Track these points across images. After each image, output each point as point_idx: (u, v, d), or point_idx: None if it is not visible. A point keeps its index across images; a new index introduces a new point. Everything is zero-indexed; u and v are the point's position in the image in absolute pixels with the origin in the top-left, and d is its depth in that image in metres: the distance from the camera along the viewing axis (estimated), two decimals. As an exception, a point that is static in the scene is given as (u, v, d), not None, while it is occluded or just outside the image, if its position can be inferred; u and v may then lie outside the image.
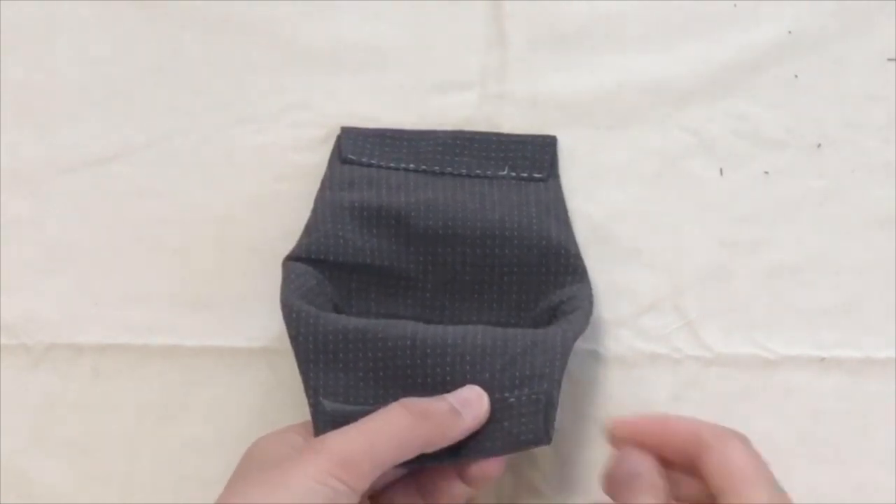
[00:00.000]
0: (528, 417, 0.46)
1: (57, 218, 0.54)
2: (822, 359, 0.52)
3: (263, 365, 0.53)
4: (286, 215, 0.53)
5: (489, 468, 0.46)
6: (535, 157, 0.53)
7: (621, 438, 0.46)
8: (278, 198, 0.54)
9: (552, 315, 0.49)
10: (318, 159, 0.54)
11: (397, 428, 0.44)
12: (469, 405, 0.45)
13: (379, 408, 0.45)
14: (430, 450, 0.45)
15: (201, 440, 0.52)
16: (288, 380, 0.52)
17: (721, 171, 0.53)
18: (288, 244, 0.51)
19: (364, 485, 0.43)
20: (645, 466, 0.45)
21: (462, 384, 0.46)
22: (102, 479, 0.53)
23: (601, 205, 0.53)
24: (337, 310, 0.50)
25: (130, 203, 0.54)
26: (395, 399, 0.46)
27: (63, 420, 0.53)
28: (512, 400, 0.46)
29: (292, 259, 0.50)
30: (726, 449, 0.43)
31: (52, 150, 0.55)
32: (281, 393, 0.52)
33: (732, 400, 0.51)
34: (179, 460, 0.53)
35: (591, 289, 0.50)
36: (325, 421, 0.46)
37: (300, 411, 0.49)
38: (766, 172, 0.53)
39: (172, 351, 0.53)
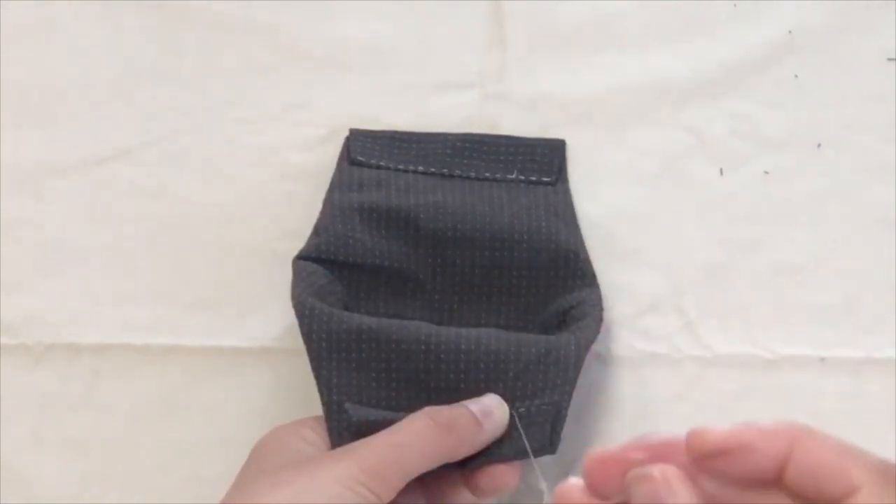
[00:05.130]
0: (535, 427, 0.46)
1: (57, 218, 0.54)
2: (822, 359, 0.52)
3: (263, 365, 0.53)
4: (286, 215, 0.53)
5: (501, 480, 0.46)
6: (544, 160, 0.53)
7: (704, 454, 0.35)
8: (278, 198, 0.54)
9: (561, 320, 0.50)
10: (318, 159, 0.54)
11: (424, 440, 0.44)
12: (491, 416, 0.45)
13: (399, 415, 0.45)
14: (452, 460, 0.45)
15: (201, 440, 0.52)
16: (288, 380, 0.52)
17: (721, 171, 0.53)
18: (288, 244, 0.51)
19: (390, 496, 0.43)
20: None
21: (475, 391, 0.46)
22: (102, 479, 0.52)
23: (601, 205, 0.53)
24: (347, 309, 0.50)
25: (130, 203, 0.54)
26: (408, 402, 0.46)
27: (63, 420, 0.53)
28: (522, 410, 0.46)
29: (302, 258, 0.50)
30: (821, 437, 0.34)
31: (52, 150, 0.55)
32: (281, 393, 0.52)
33: (732, 400, 0.51)
34: (179, 460, 0.52)
35: (600, 293, 0.50)
36: (341, 426, 0.46)
37: (301, 411, 0.49)
38: (766, 172, 0.53)
39: (172, 351, 0.53)
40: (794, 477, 0.33)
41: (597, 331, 0.49)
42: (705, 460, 0.33)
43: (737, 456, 0.33)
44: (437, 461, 0.44)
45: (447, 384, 0.46)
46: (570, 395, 0.46)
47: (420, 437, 0.44)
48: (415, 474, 0.44)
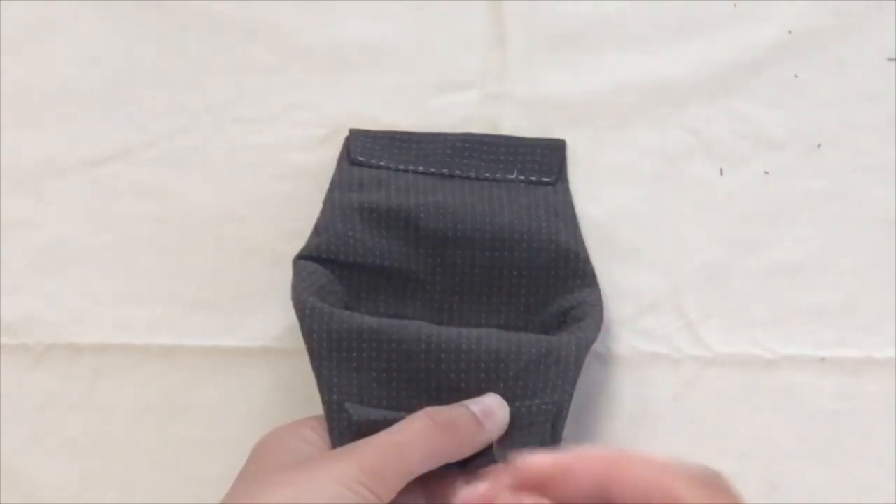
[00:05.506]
0: (537, 427, 0.46)
1: (57, 218, 0.54)
2: (822, 359, 0.52)
3: (263, 365, 0.53)
4: (286, 215, 0.53)
5: None
6: (545, 160, 0.53)
7: (530, 482, 0.36)
8: (278, 198, 0.54)
9: (561, 321, 0.50)
10: (318, 159, 0.54)
11: (424, 441, 0.44)
12: (492, 416, 0.45)
13: (399, 415, 0.45)
14: (453, 460, 0.45)
15: (201, 440, 0.52)
16: (288, 380, 0.52)
17: (721, 171, 0.53)
18: (288, 244, 0.51)
19: (390, 496, 0.43)
20: None
21: (476, 390, 0.46)
22: (102, 479, 0.52)
23: (601, 205, 0.53)
24: (347, 309, 0.50)
25: (130, 203, 0.54)
26: (409, 402, 0.46)
27: (63, 420, 0.53)
28: (523, 410, 0.46)
29: (303, 258, 0.50)
30: (640, 458, 0.36)
31: (52, 150, 0.55)
32: (281, 393, 0.52)
33: (732, 400, 0.51)
34: (179, 460, 0.52)
35: (600, 293, 0.50)
36: (342, 425, 0.46)
37: (301, 411, 0.49)
38: (766, 172, 0.53)
39: (172, 351, 0.53)
40: (621, 497, 0.34)
41: (597, 331, 0.49)
42: (532, 488, 0.35)
43: (559, 481, 0.35)
44: (438, 461, 0.44)
45: (448, 384, 0.46)
46: (570, 395, 0.47)
47: (420, 437, 0.44)
48: (415, 474, 0.44)
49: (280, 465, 0.44)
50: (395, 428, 0.44)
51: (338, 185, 0.52)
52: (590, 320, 0.48)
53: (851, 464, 0.51)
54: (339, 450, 0.44)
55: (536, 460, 0.36)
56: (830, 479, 0.51)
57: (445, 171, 0.53)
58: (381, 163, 0.53)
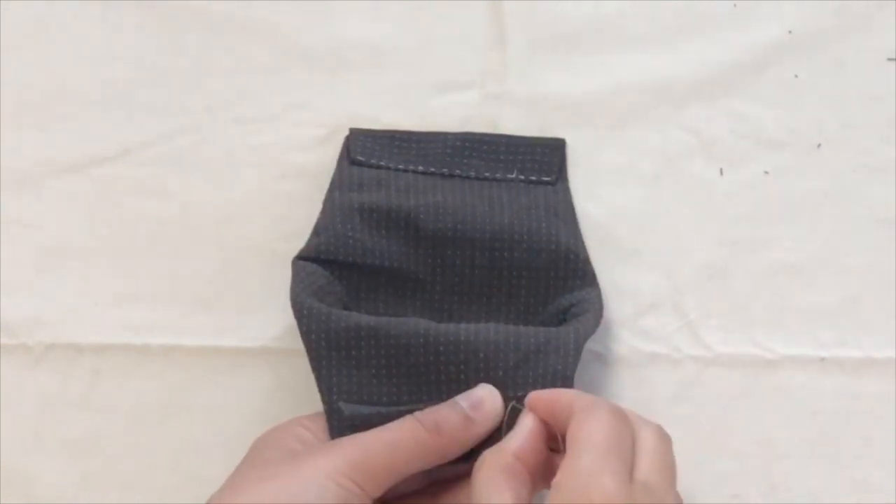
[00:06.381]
0: None
1: (57, 218, 0.54)
2: (822, 359, 0.52)
3: (263, 365, 0.53)
4: (286, 215, 0.53)
5: None
6: (544, 160, 0.53)
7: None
8: (278, 198, 0.54)
9: (561, 319, 0.50)
10: (318, 159, 0.54)
11: (412, 443, 0.44)
12: (482, 406, 0.45)
13: (395, 411, 0.45)
14: (446, 460, 0.45)
15: (201, 440, 0.52)
16: (288, 380, 0.52)
17: (721, 171, 0.53)
18: (288, 244, 0.51)
19: (377, 491, 0.43)
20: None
21: (475, 381, 0.46)
22: (102, 479, 0.53)
23: (601, 205, 0.53)
24: (346, 309, 0.50)
25: (130, 203, 0.54)
26: (410, 396, 0.46)
27: (63, 420, 0.53)
28: (523, 395, 0.46)
29: (302, 258, 0.50)
30: (587, 417, 0.41)
31: (52, 150, 0.55)
32: (281, 393, 0.52)
33: (732, 400, 0.52)
34: (179, 460, 0.53)
35: (600, 292, 0.50)
36: (342, 424, 0.46)
37: (300, 411, 0.49)
38: (766, 172, 0.53)
39: (172, 351, 0.53)
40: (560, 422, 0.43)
41: (596, 324, 0.49)
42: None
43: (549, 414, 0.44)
44: (428, 462, 0.45)
45: (447, 376, 0.46)
46: (571, 381, 0.47)
47: (407, 438, 0.44)
48: (405, 474, 0.44)
49: (271, 461, 0.44)
50: (386, 427, 0.45)
51: (338, 185, 0.52)
52: (589, 315, 0.49)
53: (851, 464, 0.51)
54: (327, 444, 0.45)
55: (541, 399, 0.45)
56: (830, 479, 0.51)
57: (445, 170, 0.53)
58: (381, 163, 0.53)
